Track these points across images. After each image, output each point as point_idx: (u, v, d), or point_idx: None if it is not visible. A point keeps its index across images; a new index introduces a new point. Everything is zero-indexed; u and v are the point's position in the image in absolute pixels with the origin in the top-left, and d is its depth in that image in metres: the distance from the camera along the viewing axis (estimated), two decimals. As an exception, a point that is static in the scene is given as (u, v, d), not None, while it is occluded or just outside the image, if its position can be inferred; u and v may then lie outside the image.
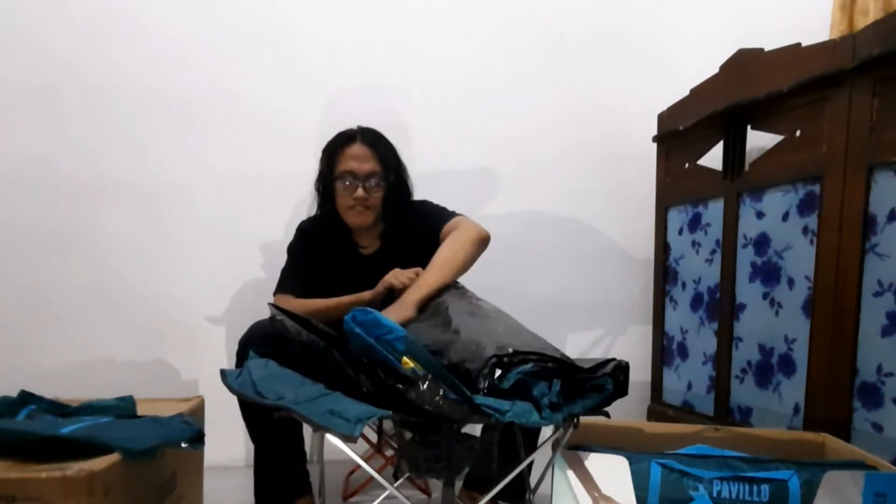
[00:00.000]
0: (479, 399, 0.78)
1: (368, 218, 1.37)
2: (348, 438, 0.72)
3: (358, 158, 1.34)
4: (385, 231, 1.43)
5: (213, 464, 1.39)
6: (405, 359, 0.86)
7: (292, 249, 1.46)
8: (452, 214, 1.41)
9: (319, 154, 1.42)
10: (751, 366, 1.39)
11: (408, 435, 1.00)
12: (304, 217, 1.52)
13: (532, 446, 1.22)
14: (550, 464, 0.94)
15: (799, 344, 1.26)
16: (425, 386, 0.78)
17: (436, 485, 1.62)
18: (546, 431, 0.97)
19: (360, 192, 1.33)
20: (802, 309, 1.25)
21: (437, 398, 0.77)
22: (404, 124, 1.41)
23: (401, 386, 0.78)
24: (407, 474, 0.99)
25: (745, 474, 0.87)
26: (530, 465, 1.13)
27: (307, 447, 1.31)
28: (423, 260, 1.42)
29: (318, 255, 1.40)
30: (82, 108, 1.74)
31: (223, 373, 0.94)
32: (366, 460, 0.91)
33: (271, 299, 1.39)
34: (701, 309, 1.57)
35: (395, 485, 0.97)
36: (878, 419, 1.08)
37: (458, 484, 1.34)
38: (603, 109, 2.04)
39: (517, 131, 2.00)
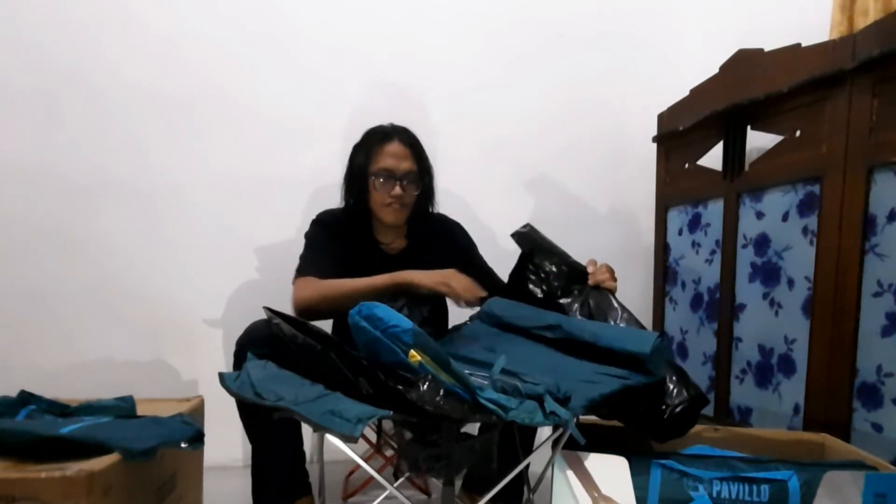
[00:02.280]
0: (488, 393, 0.78)
1: (403, 216, 1.38)
2: (348, 438, 0.72)
3: (397, 157, 1.35)
4: (410, 232, 1.44)
5: (213, 464, 1.39)
6: (412, 352, 0.85)
7: (311, 236, 1.42)
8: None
9: (319, 153, 1.42)
10: (751, 366, 1.39)
11: (408, 435, 1.00)
12: (305, 217, 1.52)
13: (528, 446, 1.22)
14: (550, 464, 0.94)
15: (799, 344, 1.26)
16: (425, 386, 0.78)
17: (436, 485, 1.62)
18: (545, 431, 0.97)
19: (397, 189, 1.34)
20: (802, 309, 1.25)
21: (438, 398, 0.77)
22: (404, 123, 1.41)
23: (401, 387, 0.78)
24: (407, 474, 0.99)
25: (745, 474, 0.88)
26: (527, 465, 1.13)
27: (307, 447, 1.31)
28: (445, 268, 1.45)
29: (338, 247, 1.39)
30: (82, 109, 1.74)
31: (221, 376, 0.94)
32: (366, 460, 0.91)
33: (270, 301, 1.37)
34: (701, 309, 1.57)
35: (395, 485, 0.97)
36: (877, 419, 1.08)
37: (458, 484, 1.34)
38: (603, 109, 2.04)
39: (517, 131, 2.00)
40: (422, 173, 1.38)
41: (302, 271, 1.34)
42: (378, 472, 0.89)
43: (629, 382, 0.89)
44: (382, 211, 1.36)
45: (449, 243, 1.48)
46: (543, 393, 0.79)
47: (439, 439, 0.92)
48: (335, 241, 1.39)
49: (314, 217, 1.45)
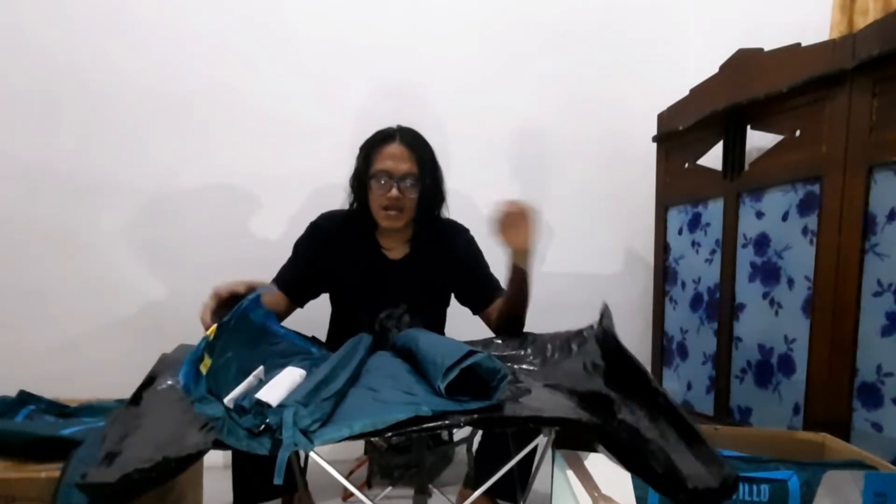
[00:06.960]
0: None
1: (400, 221, 1.33)
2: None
3: (395, 158, 1.30)
4: (414, 237, 1.40)
5: (213, 464, 1.38)
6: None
7: (298, 245, 1.42)
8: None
9: (321, 153, 1.42)
10: (750, 366, 1.39)
11: (381, 444, 0.99)
12: (306, 217, 1.51)
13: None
14: (542, 459, 0.94)
15: (799, 344, 1.26)
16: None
17: (435, 485, 1.61)
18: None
19: (394, 192, 1.29)
20: (802, 309, 1.25)
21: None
22: (405, 122, 1.40)
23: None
24: (387, 485, 0.98)
25: (745, 474, 0.87)
26: (530, 466, 1.13)
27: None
28: (450, 278, 1.42)
29: (334, 253, 1.37)
30: (82, 108, 1.74)
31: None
32: (362, 463, 0.91)
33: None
34: (701, 309, 1.57)
35: (379, 497, 0.96)
36: (877, 419, 1.08)
37: (453, 487, 1.34)
38: (603, 109, 2.04)
39: (517, 130, 2.00)
40: (423, 175, 1.32)
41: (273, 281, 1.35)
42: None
43: (422, 410, 0.76)
44: (379, 215, 1.33)
45: (451, 252, 1.42)
46: (292, 411, 0.72)
47: (410, 446, 0.91)
48: (328, 250, 1.37)
49: (314, 219, 1.43)
